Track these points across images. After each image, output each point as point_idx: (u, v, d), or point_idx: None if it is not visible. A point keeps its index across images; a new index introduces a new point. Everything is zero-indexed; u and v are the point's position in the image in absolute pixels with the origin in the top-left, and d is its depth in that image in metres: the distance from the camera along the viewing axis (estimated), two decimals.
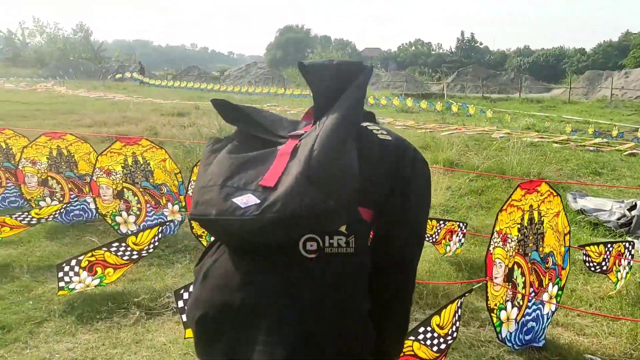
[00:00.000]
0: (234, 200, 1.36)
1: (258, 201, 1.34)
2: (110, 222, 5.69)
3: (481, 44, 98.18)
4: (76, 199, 6.49)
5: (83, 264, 4.24)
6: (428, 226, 5.11)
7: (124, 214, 5.75)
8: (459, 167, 9.53)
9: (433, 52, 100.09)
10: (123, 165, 5.74)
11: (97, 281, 4.32)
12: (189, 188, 5.03)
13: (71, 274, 4.21)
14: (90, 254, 4.27)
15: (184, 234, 5.76)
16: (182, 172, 6.07)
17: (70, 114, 17.84)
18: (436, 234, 5.37)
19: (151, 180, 5.88)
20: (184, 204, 6.01)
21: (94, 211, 6.57)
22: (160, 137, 12.55)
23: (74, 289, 4.22)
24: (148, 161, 5.87)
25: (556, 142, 14.60)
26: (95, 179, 5.62)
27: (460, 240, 5.45)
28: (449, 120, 21.11)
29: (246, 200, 1.36)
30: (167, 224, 5.39)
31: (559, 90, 44.41)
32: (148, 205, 5.83)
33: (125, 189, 5.76)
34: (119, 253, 4.35)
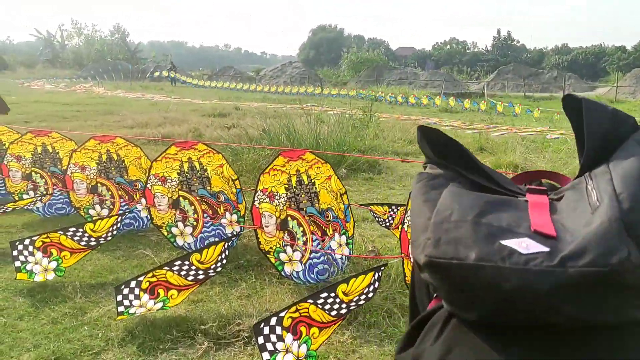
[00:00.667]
0: (506, 242, 0.86)
1: (546, 249, 0.83)
2: (166, 233, 5.23)
3: (518, 42, 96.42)
4: (127, 207, 6.07)
5: (144, 286, 3.79)
6: None
7: (180, 224, 5.28)
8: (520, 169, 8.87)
9: (468, 51, 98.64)
10: (179, 171, 5.27)
11: (159, 305, 3.86)
12: (256, 199, 4.52)
13: (131, 297, 3.76)
14: (151, 274, 3.81)
15: (244, 248, 5.27)
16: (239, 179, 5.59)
17: (111, 114, 17.63)
18: None
19: (208, 188, 5.40)
20: (242, 212, 5.54)
21: (145, 220, 6.15)
22: (205, 138, 12.15)
23: (134, 313, 3.76)
24: (205, 167, 5.39)
25: None
26: (149, 187, 5.16)
27: None
28: (497, 121, 20.34)
29: (526, 245, 0.85)
30: (232, 239, 4.89)
31: (604, 89, 42.99)
32: (205, 215, 5.36)
33: (181, 198, 5.29)
34: (182, 273, 3.90)
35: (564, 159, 10.15)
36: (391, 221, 5.43)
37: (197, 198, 5.35)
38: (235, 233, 5.32)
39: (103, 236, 4.73)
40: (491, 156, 11.15)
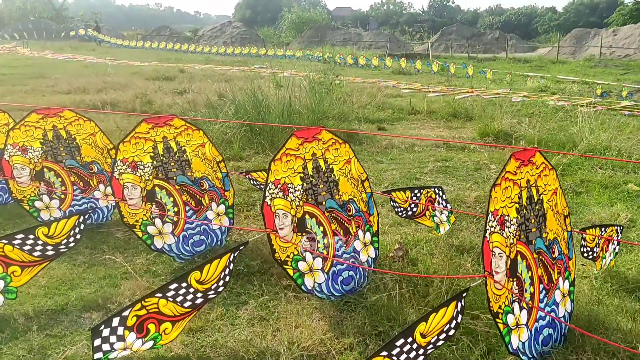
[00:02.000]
0: None
1: None
2: (140, 234, 4.13)
3: (453, 2, 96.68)
4: (83, 197, 4.95)
5: (130, 322, 2.75)
6: None
7: (158, 221, 4.20)
8: (523, 142, 8.13)
9: (405, 12, 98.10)
10: (152, 154, 4.19)
11: (149, 344, 2.84)
12: (267, 194, 3.49)
13: (113, 338, 2.72)
14: (139, 306, 2.77)
15: (256, 251, 4.23)
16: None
17: (42, 78, 15.90)
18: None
19: (189, 174, 4.36)
20: (231, 201, 4.54)
21: (106, 211, 5.09)
22: (155, 105, 10.89)
23: (115, 358, 2.74)
24: (183, 147, 4.36)
25: (583, 106, 13.36)
26: (117, 176, 4.05)
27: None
28: (454, 83, 19.70)
29: None
30: (240, 248, 3.79)
31: (545, 50, 43.28)
32: (188, 208, 4.32)
33: (157, 188, 4.21)
34: (178, 299, 2.88)
35: (563, 125, 9.49)
36: (414, 208, 4.53)
37: (177, 187, 4.30)
38: (233, 240, 4.29)
39: (63, 242, 3.54)
40: (472, 123, 10.41)
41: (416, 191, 4.56)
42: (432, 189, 4.66)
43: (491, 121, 9.11)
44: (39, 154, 4.81)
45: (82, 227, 3.67)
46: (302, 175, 3.54)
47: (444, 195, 4.70)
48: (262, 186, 5.02)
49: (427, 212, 4.62)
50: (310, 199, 3.57)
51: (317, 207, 3.60)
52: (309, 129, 3.64)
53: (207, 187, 4.44)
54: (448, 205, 4.70)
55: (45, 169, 4.84)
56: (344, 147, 3.80)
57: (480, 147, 8.25)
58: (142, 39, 48.70)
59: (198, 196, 4.39)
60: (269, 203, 3.38)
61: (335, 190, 3.71)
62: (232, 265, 3.08)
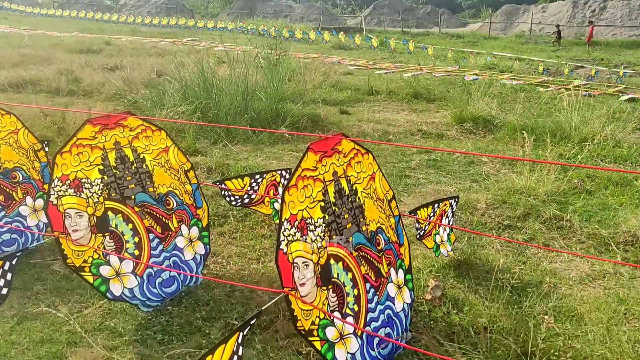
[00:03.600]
0: None
1: None
2: (91, 279, 2.98)
3: None
4: (1, 214, 3.81)
5: None
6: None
7: (114, 259, 3.11)
8: (505, 129, 7.40)
9: None
10: (102, 167, 3.11)
11: None
12: (282, 237, 2.47)
13: None
14: None
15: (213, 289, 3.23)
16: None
17: None
18: None
19: (151, 190, 3.32)
20: (205, 222, 3.58)
21: (36, 230, 3.97)
22: (84, 83, 9.51)
23: None
24: (142, 155, 3.32)
25: (538, 86, 12.93)
26: (53, 201, 2.93)
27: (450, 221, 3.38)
28: (400, 59, 18.98)
29: None
30: (251, 323, 2.73)
31: (476, 25, 43.38)
32: (152, 236, 3.28)
33: (110, 212, 3.11)
34: None
35: (551, 111, 8.85)
36: (425, 227, 3.63)
37: (136, 209, 3.23)
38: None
39: None
40: (437, 105, 9.65)
41: (436, 205, 3.67)
42: (450, 200, 3.79)
43: (465, 105, 8.32)
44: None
45: (8, 277, 2.61)
46: (322, 204, 2.56)
47: (455, 206, 3.86)
48: (237, 200, 4.00)
49: (434, 230, 3.74)
50: (334, 233, 2.61)
51: (345, 249, 2.65)
52: (327, 139, 2.64)
53: (175, 205, 3.40)
54: (449, 220, 3.82)
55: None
56: (367, 158, 2.87)
57: (460, 134, 7.48)
58: (59, 6, 45.36)
59: (164, 218, 3.34)
60: (284, 250, 2.38)
61: (361, 219, 2.78)
62: (241, 349, 2.11)
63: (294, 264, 2.39)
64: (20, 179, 3.89)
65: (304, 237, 2.45)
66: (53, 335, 2.85)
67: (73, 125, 6.51)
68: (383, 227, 2.87)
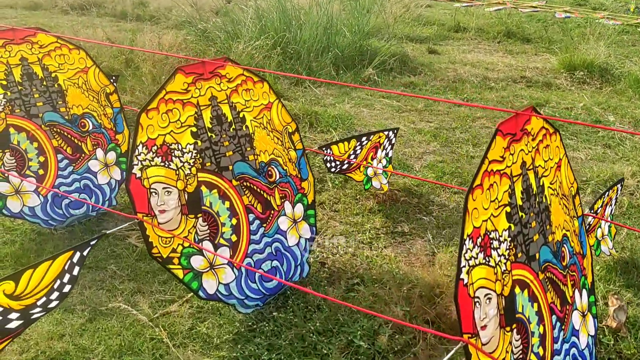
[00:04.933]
0: None
1: None
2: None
3: None
4: (70, 170, 3.27)
5: None
6: None
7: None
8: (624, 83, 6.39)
9: None
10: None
11: None
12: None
13: None
14: None
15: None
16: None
17: None
18: None
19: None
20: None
21: (109, 191, 3.44)
22: (152, 9, 8.80)
23: None
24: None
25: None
26: None
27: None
28: None
29: None
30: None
31: None
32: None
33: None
34: None
35: None
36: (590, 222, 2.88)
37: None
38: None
39: (40, 303, 1.92)
40: (533, 46, 8.61)
41: (606, 194, 2.89)
42: (617, 185, 3.02)
43: (573, 49, 7.29)
44: (0, 103, 3.05)
45: (75, 271, 2.04)
46: (508, 210, 1.84)
47: (620, 191, 3.09)
48: (336, 166, 3.36)
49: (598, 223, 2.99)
50: (519, 255, 1.89)
51: (527, 266, 1.94)
52: (517, 115, 1.87)
53: (278, 176, 2.74)
54: (612, 209, 3.06)
55: (11, 129, 3.07)
56: (554, 140, 2.09)
57: (570, 84, 6.52)
58: None
59: (266, 194, 2.69)
60: (464, 280, 1.68)
61: (547, 228, 2.05)
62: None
63: (475, 300, 1.70)
64: (90, 127, 3.33)
65: (487, 258, 1.75)
66: (134, 343, 2.28)
67: (142, 57, 5.87)
68: (568, 234, 2.15)
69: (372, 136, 3.48)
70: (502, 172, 1.78)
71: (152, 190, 2.28)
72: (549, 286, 2.01)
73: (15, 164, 3.06)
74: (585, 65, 6.82)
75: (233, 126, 2.57)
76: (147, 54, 5.75)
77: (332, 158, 3.30)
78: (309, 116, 4.83)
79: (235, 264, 2.51)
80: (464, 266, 1.63)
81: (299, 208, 2.82)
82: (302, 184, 2.85)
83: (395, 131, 3.67)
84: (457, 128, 4.98)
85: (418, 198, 3.64)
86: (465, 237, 1.63)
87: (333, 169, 3.38)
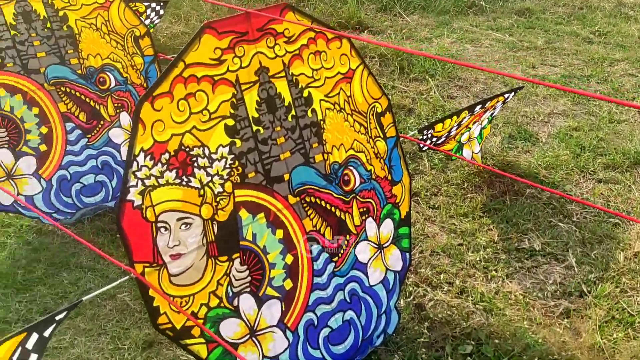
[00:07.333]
0: None
1: None
2: None
3: None
4: (83, 143, 2.50)
5: None
6: None
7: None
8: None
9: None
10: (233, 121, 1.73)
11: None
12: None
13: None
14: None
15: None
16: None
17: None
18: None
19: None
20: None
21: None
22: None
23: None
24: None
25: None
26: None
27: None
28: None
29: None
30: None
31: None
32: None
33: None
34: None
35: None
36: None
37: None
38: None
39: None
40: None
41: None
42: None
43: None
44: None
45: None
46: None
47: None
48: (431, 140, 2.42)
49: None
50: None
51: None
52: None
53: (358, 181, 1.86)
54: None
55: (1, 90, 2.28)
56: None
57: None
58: None
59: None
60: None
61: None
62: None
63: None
64: (112, 84, 2.52)
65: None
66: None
67: None
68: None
69: (487, 103, 2.51)
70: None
71: (159, 224, 1.47)
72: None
73: (8, 138, 2.32)
74: None
75: (292, 112, 1.66)
76: None
77: (431, 135, 2.35)
78: (399, 57, 3.81)
79: (289, 326, 1.67)
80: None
81: (388, 226, 1.94)
82: (394, 189, 1.94)
83: (517, 91, 2.71)
84: (591, 76, 3.86)
85: (548, 189, 2.65)
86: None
87: (425, 148, 2.44)
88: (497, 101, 2.61)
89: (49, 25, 2.37)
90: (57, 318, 1.36)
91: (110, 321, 2.00)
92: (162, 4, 3.37)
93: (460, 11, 5.01)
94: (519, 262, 2.25)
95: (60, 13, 2.39)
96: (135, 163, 1.42)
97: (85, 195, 2.51)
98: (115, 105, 2.52)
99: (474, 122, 2.56)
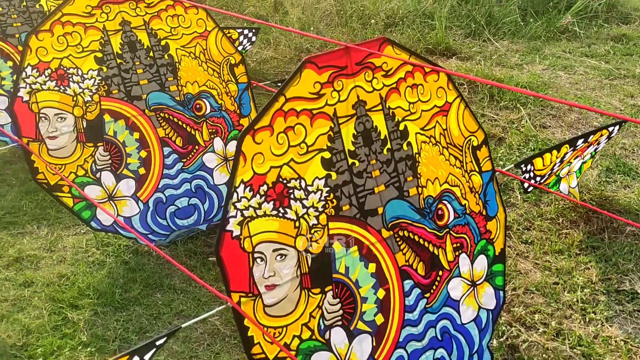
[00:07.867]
0: None
1: None
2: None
3: None
4: (179, 167, 2.59)
5: None
6: None
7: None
8: None
9: None
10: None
11: None
12: None
13: None
14: None
15: None
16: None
17: None
18: None
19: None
20: None
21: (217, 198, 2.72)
22: None
23: None
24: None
25: None
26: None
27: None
28: None
29: None
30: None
31: None
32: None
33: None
34: None
35: None
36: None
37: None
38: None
39: None
40: None
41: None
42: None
43: None
44: (93, 83, 2.36)
45: None
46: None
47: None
48: (535, 180, 2.36)
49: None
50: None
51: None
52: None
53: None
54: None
55: (106, 116, 2.39)
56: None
57: None
58: None
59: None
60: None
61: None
62: None
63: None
64: (208, 110, 2.60)
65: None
66: None
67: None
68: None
69: (591, 137, 2.41)
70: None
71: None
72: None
73: (110, 161, 2.41)
74: None
75: (388, 145, 1.66)
76: None
77: (532, 174, 2.28)
78: (490, 87, 3.75)
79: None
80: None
81: (481, 263, 1.88)
82: (488, 224, 1.89)
83: (622, 124, 2.59)
84: None
85: None
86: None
87: (530, 188, 2.37)
88: (601, 135, 2.50)
89: (151, 54, 2.48)
90: (157, 343, 1.40)
91: (202, 345, 2.05)
92: (254, 30, 3.47)
93: (552, 37, 4.87)
94: (619, 305, 2.13)
95: (163, 42, 2.49)
96: (235, 194, 1.45)
97: (179, 218, 2.58)
98: (210, 130, 2.59)
99: (576, 157, 2.46)
